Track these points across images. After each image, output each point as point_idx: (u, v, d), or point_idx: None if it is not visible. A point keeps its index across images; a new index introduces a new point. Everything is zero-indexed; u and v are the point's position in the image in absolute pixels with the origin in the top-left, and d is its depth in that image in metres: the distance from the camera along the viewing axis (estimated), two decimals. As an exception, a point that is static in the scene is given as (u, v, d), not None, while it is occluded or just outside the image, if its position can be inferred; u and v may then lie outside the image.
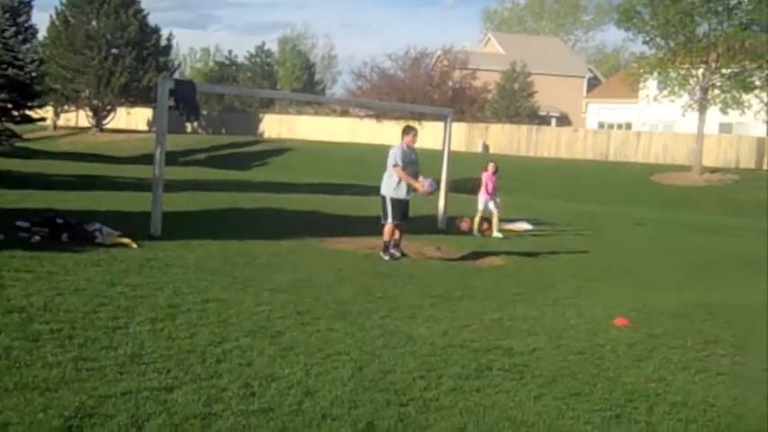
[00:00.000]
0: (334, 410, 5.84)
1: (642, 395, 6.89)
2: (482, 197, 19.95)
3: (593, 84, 75.42)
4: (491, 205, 19.89)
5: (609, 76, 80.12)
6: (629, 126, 60.22)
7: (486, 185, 20.00)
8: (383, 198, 14.17)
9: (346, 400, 6.09)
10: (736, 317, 10.97)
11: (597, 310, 10.68)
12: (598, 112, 66.43)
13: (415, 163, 14.19)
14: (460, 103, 54.35)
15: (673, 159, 48.23)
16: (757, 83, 41.65)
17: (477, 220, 19.89)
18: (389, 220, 14.05)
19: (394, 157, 14.02)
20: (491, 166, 20.24)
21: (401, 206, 14.06)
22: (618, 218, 29.01)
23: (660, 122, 55.21)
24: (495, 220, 19.78)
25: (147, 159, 24.32)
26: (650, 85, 45.91)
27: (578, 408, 6.38)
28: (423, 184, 13.92)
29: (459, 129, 50.12)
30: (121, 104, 64.24)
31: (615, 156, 51.13)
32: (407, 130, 14.42)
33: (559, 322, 9.70)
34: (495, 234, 19.34)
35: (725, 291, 13.46)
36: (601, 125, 63.06)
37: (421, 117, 49.05)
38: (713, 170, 44.01)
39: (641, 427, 6.09)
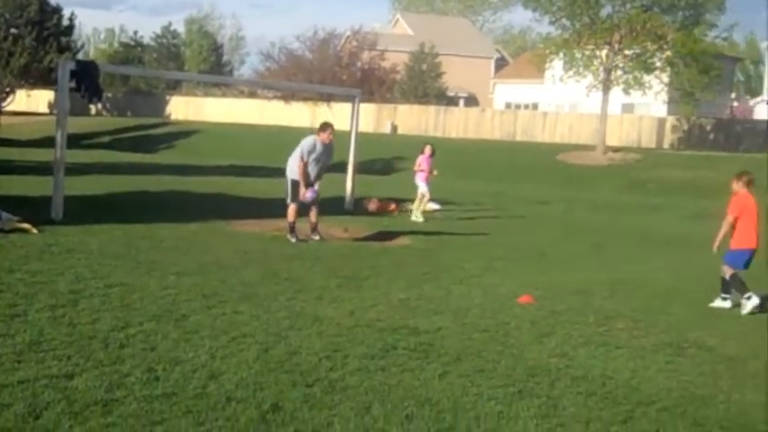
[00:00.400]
0: (238, 393, 5.81)
1: (544, 370, 7.03)
2: (421, 179, 19.86)
3: (500, 64, 76.20)
4: (423, 188, 19.79)
5: (516, 57, 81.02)
6: (535, 106, 61.07)
7: (422, 166, 19.96)
8: (287, 179, 14.16)
9: (251, 382, 6.07)
10: (636, 292, 11.27)
11: (502, 288, 10.85)
12: (505, 92, 67.20)
13: (323, 161, 14.13)
14: (369, 83, 54.47)
15: (578, 139, 49.09)
16: (658, 64, 42.60)
17: (425, 202, 19.84)
18: (289, 201, 14.07)
19: (302, 149, 13.98)
20: (428, 149, 20.18)
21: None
22: (524, 197, 29.44)
23: (566, 102, 56.10)
24: (418, 203, 19.77)
25: (48, 142, 23.73)
26: (556, 65, 46.56)
27: (482, 384, 6.48)
28: (305, 192, 13.90)
29: (367, 109, 50.13)
30: (21, 86, 62.33)
31: (522, 136, 51.81)
32: (323, 127, 14.33)
33: (465, 301, 9.82)
34: (416, 218, 19.29)
35: (626, 267, 13.80)
36: (508, 105, 63.79)
37: (329, 98, 48.99)
38: (616, 149, 44.94)
39: (543, 401, 6.21)
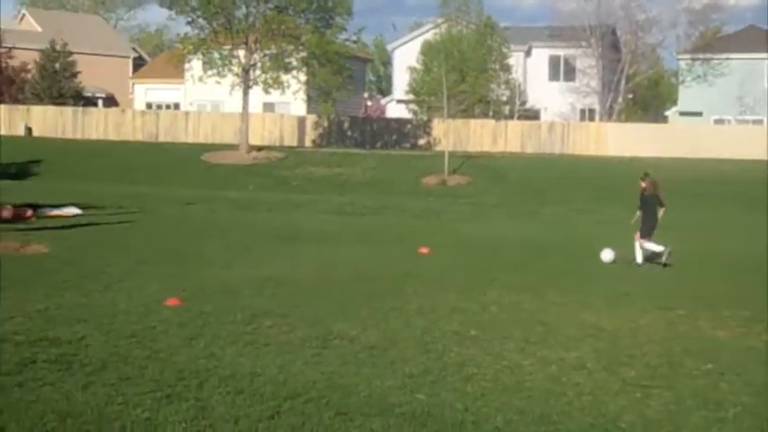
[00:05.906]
0: None
1: (193, 372, 6.97)
2: None
3: (139, 64, 74.53)
4: None
5: (154, 56, 79.62)
6: (177, 106, 60.45)
7: None
8: None
9: None
10: (283, 289, 11.49)
11: (148, 291, 10.64)
12: (145, 92, 65.90)
13: None
14: (-1, 83, 51.26)
15: (221, 138, 49.22)
16: (294, 64, 43.75)
17: None
18: None
19: None
20: None
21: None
22: (170, 198, 29.04)
23: (208, 102, 56.09)
24: None
25: None
26: (195, 65, 46.30)
27: (128, 392, 6.31)
28: None
29: (-2, 111, 47.12)
30: None
31: (165, 137, 51.07)
32: None
33: (109, 307, 9.51)
34: None
35: (272, 264, 14.02)
36: (149, 106, 62.61)
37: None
38: (260, 148, 45.61)
39: (191, 404, 6.15)
